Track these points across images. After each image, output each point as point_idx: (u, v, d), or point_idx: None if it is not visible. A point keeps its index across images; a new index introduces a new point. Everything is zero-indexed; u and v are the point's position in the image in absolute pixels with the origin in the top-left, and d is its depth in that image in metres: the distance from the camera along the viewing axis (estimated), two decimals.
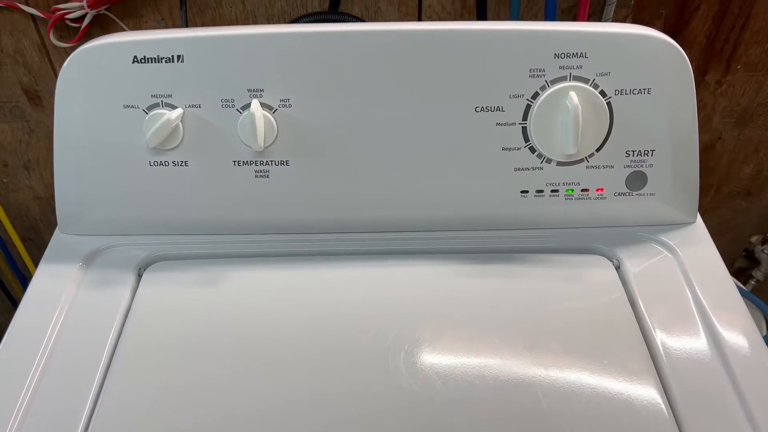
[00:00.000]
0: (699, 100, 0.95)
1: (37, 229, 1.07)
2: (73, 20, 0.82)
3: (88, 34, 0.83)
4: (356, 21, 0.83)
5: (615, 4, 0.83)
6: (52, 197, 1.01)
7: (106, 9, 0.82)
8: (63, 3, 0.80)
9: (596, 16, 0.85)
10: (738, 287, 1.10)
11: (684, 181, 0.57)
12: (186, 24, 0.83)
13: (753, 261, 1.19)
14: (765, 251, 1.14)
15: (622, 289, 0.53)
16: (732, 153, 1.04)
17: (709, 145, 1.03)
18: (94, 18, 0.82)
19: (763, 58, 0.91)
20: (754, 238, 1.17)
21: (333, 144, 0.54)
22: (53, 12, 0.81)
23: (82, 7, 0.80)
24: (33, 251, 1.09)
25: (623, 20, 0.86)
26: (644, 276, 0.54)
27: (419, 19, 0.85)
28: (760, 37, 0.90)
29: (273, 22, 0.85)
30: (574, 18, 0.83)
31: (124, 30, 0.83)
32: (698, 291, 0.52)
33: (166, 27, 0.85)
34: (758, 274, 1.16)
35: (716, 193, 1.09)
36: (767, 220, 1.14)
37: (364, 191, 0.56)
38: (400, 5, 0.84)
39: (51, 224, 1.06)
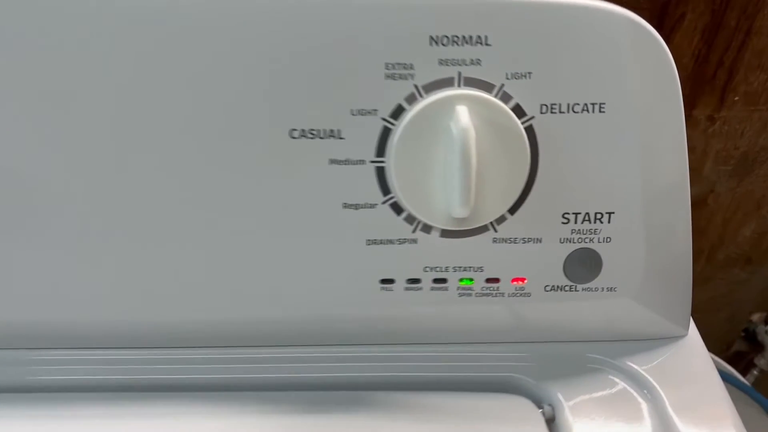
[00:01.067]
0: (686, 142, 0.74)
1: None
2: None
3: None
4: None
5: None
6: None
7: None
8: None
9: None
10: (736, 379, 0.87)
11: (667, 264, 0.33)
12: None
13: (754, 344, 0.96)
14: None
15: None
16: (728, 210, 0.82)
17: (698, 200, 0.81)
18: None
19: None
20: (755, 317, 0.95)
21: (21, 191, 0.30)
22: None
23: None
24: None
25: None
26: None
27: None
28: (765, 60, 0.68)
29: None
30: None
31: None
32: None
33: None
34: (762, 362, 0.93)
35: (708, 261, 0.87)
36: None
37: (100, 276, 0.31)
38: None
39: None
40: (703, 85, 0.70)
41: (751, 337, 0.96)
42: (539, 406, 0.32)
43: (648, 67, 0.30)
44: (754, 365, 0.95)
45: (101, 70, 0.28)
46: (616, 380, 0.32)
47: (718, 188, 0.79)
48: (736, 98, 0.71)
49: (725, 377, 0.89)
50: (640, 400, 0.32)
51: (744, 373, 0.94)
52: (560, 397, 0.32)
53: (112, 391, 0.32)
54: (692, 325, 0.35)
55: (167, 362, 0.33)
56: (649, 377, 0.32)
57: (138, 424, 0.30)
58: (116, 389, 0.32)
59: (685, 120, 0.74)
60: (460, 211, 0.29)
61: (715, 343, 0.90)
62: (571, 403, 0.31)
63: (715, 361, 0.89)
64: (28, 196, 0.29)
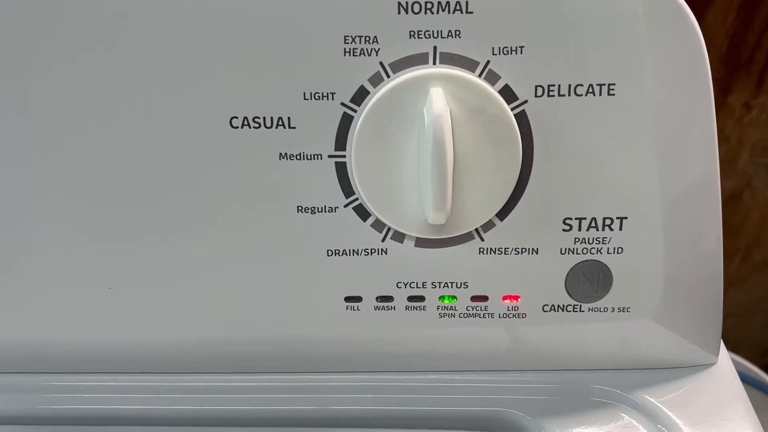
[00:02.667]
0: (720, 131, 0.68)
1: None
2: None
3: None
4: None
5: None
6: None
7: None
8: None
9: None
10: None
11: (692, 278, 0.27)
12: None
13: None
14: None
15: None
16: (766, 206, 0.77)
17: (733, 195, 0.76)
18: None
19: None
20: None
21: None
22: None
23: None
24: None
25: None
26: None
27: None
28: None
29: None
30: None
31: None
32: None
33: None
34: None
35: (744, 262, 0.82)
36: None
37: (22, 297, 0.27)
38: None
39: None
40: (738, 69, 0.65)
41: None
42: None
43: (669, 42, 0.24)
44: None
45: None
46: (628, 417, 0.27)
47: (755, 182, 0.74)
48: None
49: (758, 386, 0.83)
50: None
51: None
52: None
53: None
54: (723, 350, 0.29)
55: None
56: (669, 413, 0.27)
57: None
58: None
59: (718, 107, 0.68)
60: (434, 216, 0.24)
61: (750, 350, 0.84)
62: None
63: (749, 370, 0.83)
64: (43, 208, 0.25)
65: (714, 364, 0.29)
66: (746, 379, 0.84)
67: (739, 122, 0.69)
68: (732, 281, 0.84)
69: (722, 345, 0.29)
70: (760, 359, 0.93)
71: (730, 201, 0.75)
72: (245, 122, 0.25)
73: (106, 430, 0.28)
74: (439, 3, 0.23)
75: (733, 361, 0.93)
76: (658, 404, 0.27)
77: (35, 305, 0.27)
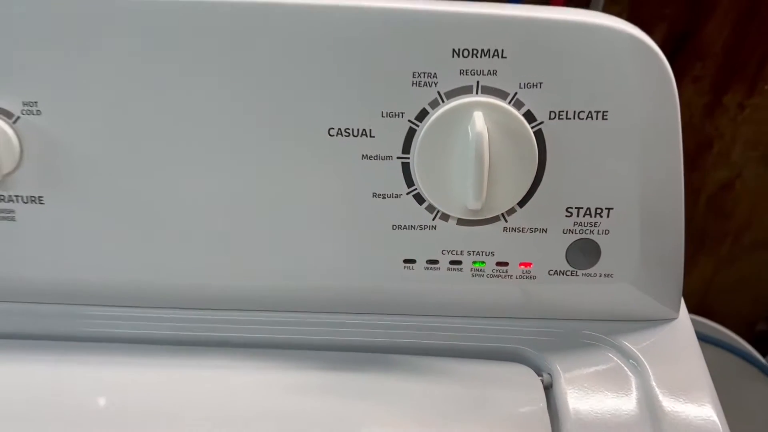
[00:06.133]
0: (715, 128, 0.76)
1: None
2: None
3: None
4: None
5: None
6: None
7: None
8: None
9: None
10: (756, 360, 0.90)
11: (660, 255, 0.37)
12: None
13: None
14: None
15: (549, 426, 0.33)
16: (755, 194, 0.84)
17: (726, 184, 0.82)
18: None
19: None
20: None
21: (110, 173, 0.35)
22: None
23: None
24: None
25: None
26: (586, 404, 0.34)
27: None
28: None
29: None
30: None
31: None
32: None
33: None
34: None
35: (734, 243, 0.89)
36: None
37: (161, 246, 0.36)
38: None
39: None
40: (733, 74, 0.72)
41: None
42: (539, 374, 0.36)
43: (648, 79, 0.33)
44: None
45: (182, 77, 0.33)
46: (610, 355, 0.37)
47: (745, 173, 0.81)
48: (766, 87, 0.73)
49: (746, 357, 0.92)
50: (629, 374, 0.36)
51: (765, 353, 0.96)
52: (558, 367, 0.36)
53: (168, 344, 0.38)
54: (683, 308, 0.39)
55: (156, 323, 0.38)
56: (639, 354, 0.36)
57: (193, 373, 0.35)
58: (100, 340, 0.37)
59: (715, 107, 0.77)
60: (474, 204, 0.33)
61: (738, 324, 0.92)
62: (567, 373, 0.36)
63: (736, 342, 0.92)
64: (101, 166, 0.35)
65: (675, 318, 0.38)
66: (733, 351, 0.92)
67: (734, 120, 0.76)
68: (723, 262, 0.91)
69: (682, 303, 0.39)
70: (749, 332, 1.02)
71: (724, 189, 0.83)
72: (339, 132, 0.34)
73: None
74: (482, 50, 0.33)
75: (722, 334, 1.03)
76: (630, 346, 0.37)
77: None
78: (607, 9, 0.65)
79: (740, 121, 0.76)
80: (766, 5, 0.66)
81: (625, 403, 0.34)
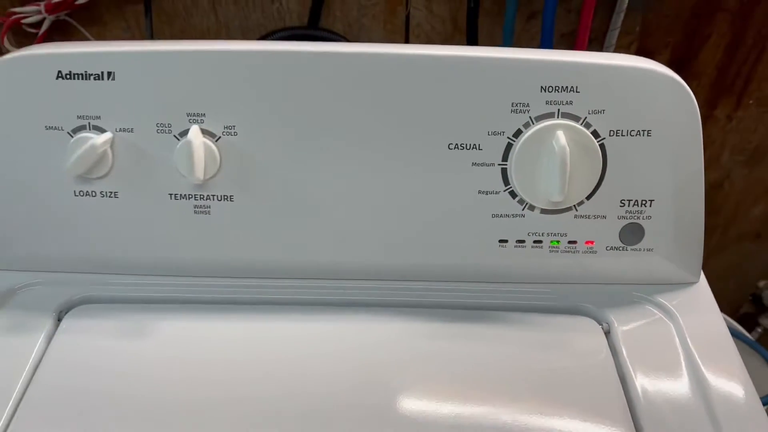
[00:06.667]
0: (707, 136, 0.89)
1: None
2: (31, 25, 0.75)
3: (48, 40, 0.77)
4: (336, 38, 0.76)
5: (619, 30, 0.76)
6: None
7: (66, 15, 0.76)
8: (20, 6, 0.74)
9: (598, 41, 0.78)
10: (743, 335, 1.03)
11: (687, 236, 0.49)
12: (152, 35, 0.76)
13: (760, 307, 1.12)
14: None
15: (611, 358, 0.46)
16: (741, 193, 0.97)
17: (716, 184, 0.96)
18: (55, 24, 0.76)
19: None
20: (762, 283, 1.10)
21: (284, 179, 0.47)
22: (8, 16, 0.74)
23: (39, 12, 0.74)
24: None
25: (627, 48, 0.79)
26: (637, 343, 0.47)
27: (406, 37, 0.78)
28: None
29: (248, 36, 0.78)
30: (574, 43, 0.76)
31: (86, 38, 0.77)
32: (701, 365, 0.45)
33: (132, 37, 0.78)
34: (765, 321, 1.09)
35: (722, 235, 1.02)
36: None
37: (319, 234, 0.49)
38: (386, 22, 0.78)
39: None
40: (723, 91, 0.85)
41: (757, 300, 1.11)
42: (600, 324, 0.49)
43: (680, 107, 0.46)
44: (758, 324, 1.10)
45: (342, 108, 0.45)
46: (652, 309, 0.49)
47: (732, 175, 0.94)
48: (751, 102, 0.86)
49: (733, 333, 1.05)
50: (667, 322, 0.48)
51: (749, 331, 1.09)
52: (613, 318, 0.48)
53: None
54: (702, 275, 0.52)
55: (312, 289, 0.50)
56: (673, 308, 0.49)
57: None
58: (269, 304, 0.49)
59: (707, 118, 0.92)
60: (557, 197, 0.46)
61: (726, 306, 1.05)
62: (621, 323, 0.48)
63: (725, 320, 1.05)
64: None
65: (696, 282, 0.51)
66: None
67: (723, 129, 0.89)
68: (712, 251, 1.04)
69: (702, 272, 0.52)
70: (735, 313, 1.15)
71: (713, 189, 0.95)
72: (456, 146, 0.46)
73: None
74: (562, 86, 0.45)
75: None
76: (666, 302, 0.49)
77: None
78: (621, 39, 0.78)
79: (728, 130, 0.89)
80: (750, 36, 0.80)
81: (665, 342, 0.47)
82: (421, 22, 0.78)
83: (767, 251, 1.06)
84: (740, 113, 0.87)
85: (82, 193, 0.47)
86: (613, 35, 0.77)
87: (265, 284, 0.50)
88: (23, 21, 0.75)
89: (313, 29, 0.76)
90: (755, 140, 0.90)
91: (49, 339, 0.46)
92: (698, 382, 0.44)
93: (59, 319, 0.48)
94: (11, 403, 0.42)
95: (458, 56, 0.45)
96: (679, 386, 0.44)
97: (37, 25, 0.75)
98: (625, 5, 0.75)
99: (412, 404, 0.42)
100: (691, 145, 0.47)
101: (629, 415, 0.42)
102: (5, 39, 0.75)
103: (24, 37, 0.77)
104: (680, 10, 0.77)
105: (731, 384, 0.44)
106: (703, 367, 0.45)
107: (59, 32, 0.77)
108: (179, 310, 0.48)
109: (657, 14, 0.78)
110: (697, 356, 0.46)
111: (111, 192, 0.47)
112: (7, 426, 0.41)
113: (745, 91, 0.85)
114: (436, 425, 0.41)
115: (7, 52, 0.77)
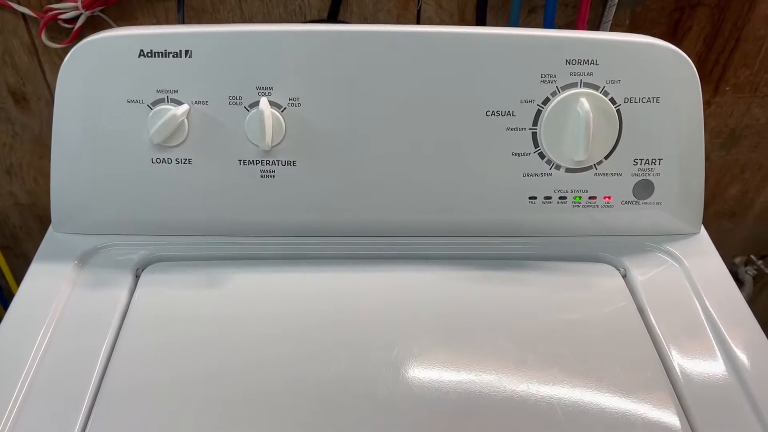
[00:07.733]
0: None
1: (17, 237, 1.04)
2: (67, 21, 0.80)
3: (81, 36, 0.82)
4: None
5: (610, 23, 0.84)
6: (34, 204, 0.98)
7: (100, 10, 0.80)
8: (56, 3, 0.79)
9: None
10: None
11: (689, 191, 0.57)
12: None
13: (736, 282, 1.19)
14: (749, 272, 1.15)
15: (630, 297, 0.53)
16: (718, 173, 1.05)
17: None
18: (88, 20, 0.81)
19: (752, 80, 0.93)
20: (737, 260, 1.18)
21: (341, 145, 0.53)
22: (46, 12, 0.79)
23: (76, 8, 0.79)
24: (11, 259, 1.05)
25: None
26: (651, 285, 0.54)
27: None
28: (749, 60, 0.91)
29: None
30: None
31: None
32: (706, 300, 0.52)
33: None
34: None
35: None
36: (751, 241, 1.16)
37: (372, 194, 0.55)
38: (399, 17, 0.84)
39: (31, 232, 1.03)
40: (702, 78, 0.91)
41: (733, 276, 1.19)
42: (617, 269, 0.56)
43: (682, 78, 0.54)
44: None
45: (391, 81, 0.51)
46: (662, 256, 0.56)
47: (711, 156, 1.02)
48: (727, 88, 0.94)
49: None
50: (676, 265, 0.56)
51: None
52: (629, 264, 0.55)
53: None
54: (702, 227, 0.59)
55: (364, 245, 0.56)
56: (679, 254, 0.56)
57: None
58: (327, 258, 0.55)
59: None
60: (582, 156, 0.52)
61: None
62: (636, 267, 0.55)
63: None
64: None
65: (698, 233, 0.59)
66: None
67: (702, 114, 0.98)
68: None
69: (702, 226, 0.59)
70: None
71: None
72: (492, 113, 0.53)
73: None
74: (584, 59, 0.52)
75: None
76: (674, 249, 0.57)
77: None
78: (613, 29, 0.86)
79: (707, 115, 0.96)
80: (727, 28, 0.88)
81: (675, 282, 0.54)
82: (431, 16, 0.84)
83: (742, 229, 1.14)
84: (718, 99, 0.95)
85: (158, 161, 0.52)
86: (606, 27, 0.85)
87: (323, 241, 0.56)
88: (60, 17, 0.79)
89: (333, 23, 0.82)
90: (731, 123, 0.98)
91: (131, 293, 0.51)
92: (705, 311, 0.51)
93: (137, 276, 0.53)
94: (108, 340, 0.47)
95: (496, 34, 0.51)
96: (688, 314, 0.51)
97: (72, 20, 0.80)
98: (616, 0, 0.83)
99: (438, 364, 0.47)
100: (693, 109, 0.54)
101: (649, 337, 0.49)
102: (42, 34, 0.79)
103: (57, 32, 0.82)
104: (665, 3, 0.85)
105: (734, 312, 0.51)
106: (707, 300, 0.52)
107: (91, 28, 0.82)
108: (246, 266, 0.54)
109: (644, 8, 0.86)
110: (702, 292, 0.53)
111: (185, 159, 0.52)
112: (107, 361, 0.46)
113: (722, 78, 0.93)
114: (495, 345, 0.47)
115: (42, 46, 0.82)
